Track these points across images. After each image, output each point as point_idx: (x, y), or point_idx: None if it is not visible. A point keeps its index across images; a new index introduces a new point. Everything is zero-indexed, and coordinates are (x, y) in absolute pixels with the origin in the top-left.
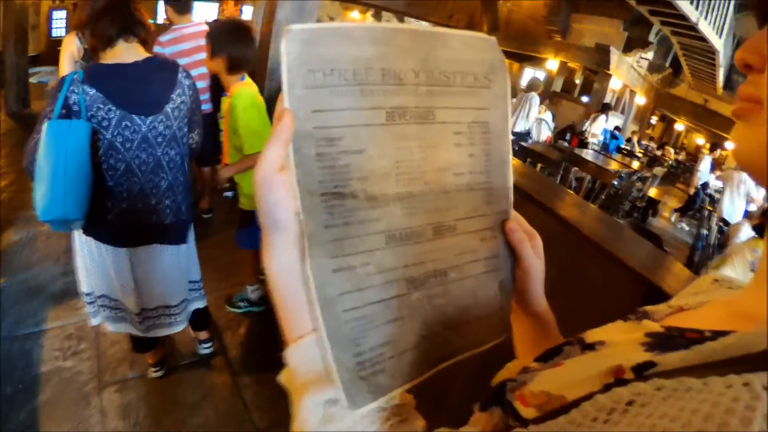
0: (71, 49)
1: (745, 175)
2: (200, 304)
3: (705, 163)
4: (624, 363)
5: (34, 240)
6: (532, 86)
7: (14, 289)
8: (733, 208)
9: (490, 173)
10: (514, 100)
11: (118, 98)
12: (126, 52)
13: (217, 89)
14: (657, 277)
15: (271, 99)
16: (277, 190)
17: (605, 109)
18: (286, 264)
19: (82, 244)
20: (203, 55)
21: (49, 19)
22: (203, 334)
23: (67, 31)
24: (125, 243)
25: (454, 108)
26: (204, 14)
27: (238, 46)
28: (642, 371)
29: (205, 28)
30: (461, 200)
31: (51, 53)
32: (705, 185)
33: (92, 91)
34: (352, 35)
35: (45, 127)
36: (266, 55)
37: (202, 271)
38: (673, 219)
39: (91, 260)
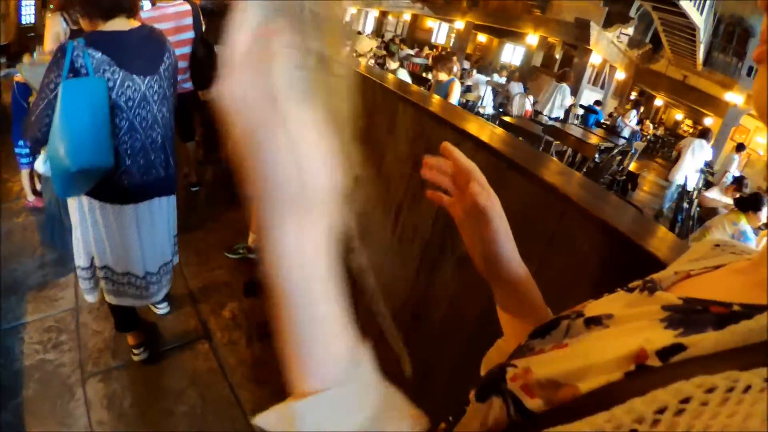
0: (56, 30)
1: (701, 142)
2: (176, 259)
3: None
4: (645, 345)
5: (9, 235)
6: (563, 77)
7: None
8: (688, 173)
9: None
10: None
11: (121, 60)
12: (120, 23)
13: (198, 69)
14: (645, 242)
15: None
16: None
17: (563, 78)
18: (309, 267)
19: (86, 214)
20: (184, 36)
21: (18, 6)
22: None
23: (50, 11)
24: (130, 200)
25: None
26: None
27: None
28: (669, 356)
29: (188, 8)
30: None
31: (20, 41)
32: None
33: (98, 54)
34: None
35: (62, 87)
36: None
37: (182, 256)
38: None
39: (95, 229)
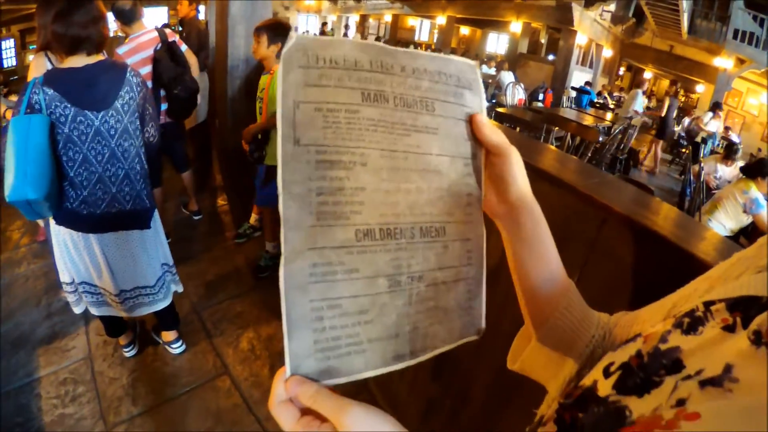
0: (41, 71)
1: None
2: (178, 288)
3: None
4: None
5: (11, 286)
6: (639, 84)
7: None
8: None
9: (470, 175)
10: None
11: (72, 96)
12: (79, 59)
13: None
14: (690, 245)
15: (233, 97)
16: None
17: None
18: None
19: (57, 235)
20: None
21: None
22: (171, 335)
23: (34, 52)
24: (91, 229)
25: (442, 101)
26: (153, 20)
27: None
28: None
29: (156, 35)
30: (445, 201)
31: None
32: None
33: (50, 91)
34: (343, 43)
35: (10, 122)
36: (224, 53)
37: (190, 287)
38: None
39: (65, 249)
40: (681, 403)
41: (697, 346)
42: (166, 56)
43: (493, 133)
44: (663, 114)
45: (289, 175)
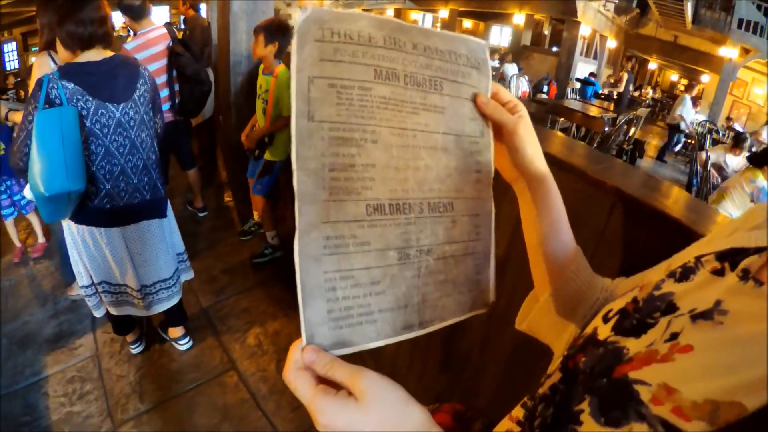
0: (45, 70)
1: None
2: (189, 276)
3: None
4: None
5: (17, 287)
6: (688, 88)
7: (4, 342)
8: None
9: (479, 152)
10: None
11: (93, 90)
12: (94, 53)
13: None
14: (704, 228)
15: (236, 93)
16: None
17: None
18: None
19: (75, 236)
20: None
21: (0, 53)
22: (179, 331)
23: (36, 53)
24: (115, 223)
25: (451, 81)
26: (156, 18)
27: (286, 37)
28: None
29: (164, 31)
30: (453, 179)
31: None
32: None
33: (71, 85)
34: (360, 17)
35: (36, 118)
36: (226, 50)
37: (196, 284)
38: None
39: (86, 249)
40: (674, 336)
41: (688, 290)
42: (185, 51)
43: (496, 111)
44: (621, 89)
45: (305, 150)
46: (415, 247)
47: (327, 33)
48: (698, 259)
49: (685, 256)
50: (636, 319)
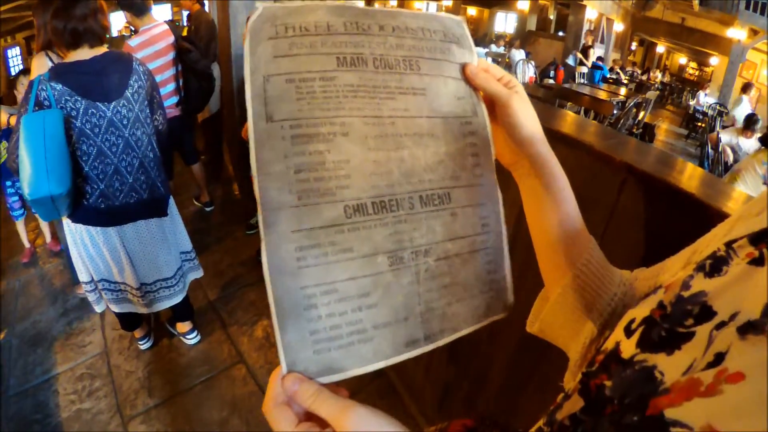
0: (42, 71)
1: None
2: (197, 274)
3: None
4: None
5: (27, 286)
6: (746, 89)
7: (15, 341)
8: None
9: (472, 134)
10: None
11: (82, 89)
12: (83, 52)
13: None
14: (720, 203)
15: (239, 86)
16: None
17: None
18: None
19: (74, 234)
20: (170, 56)
21: (5, 58)
22: (186, 326)
23: (34, 55)
24: (111, 222)
25: (428, 59)
26: (158, 16)
27: None
28: None
29: (167, 27)
30: (446, 166)
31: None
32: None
33: (59, 86)
34: (316, 8)
35: (22, 121)
36: (227, 43)
37: (203, 278)
38: None
39: (84, 247)
40: (719, 359)
41: (723, 287)
42: (193, 47)
43: (487, 82)
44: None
45: (264, 153)
46: (410, 248)
47: (281, 29)
48: (729, 245)
49: (712, 240)
50: (665, 329)
